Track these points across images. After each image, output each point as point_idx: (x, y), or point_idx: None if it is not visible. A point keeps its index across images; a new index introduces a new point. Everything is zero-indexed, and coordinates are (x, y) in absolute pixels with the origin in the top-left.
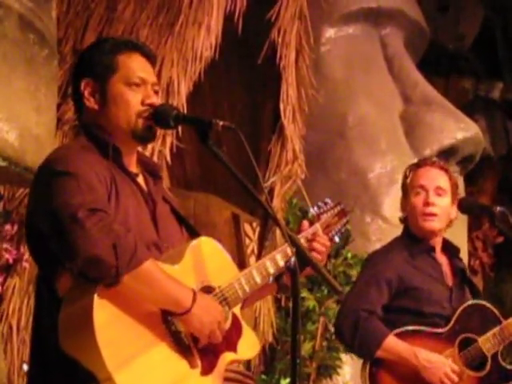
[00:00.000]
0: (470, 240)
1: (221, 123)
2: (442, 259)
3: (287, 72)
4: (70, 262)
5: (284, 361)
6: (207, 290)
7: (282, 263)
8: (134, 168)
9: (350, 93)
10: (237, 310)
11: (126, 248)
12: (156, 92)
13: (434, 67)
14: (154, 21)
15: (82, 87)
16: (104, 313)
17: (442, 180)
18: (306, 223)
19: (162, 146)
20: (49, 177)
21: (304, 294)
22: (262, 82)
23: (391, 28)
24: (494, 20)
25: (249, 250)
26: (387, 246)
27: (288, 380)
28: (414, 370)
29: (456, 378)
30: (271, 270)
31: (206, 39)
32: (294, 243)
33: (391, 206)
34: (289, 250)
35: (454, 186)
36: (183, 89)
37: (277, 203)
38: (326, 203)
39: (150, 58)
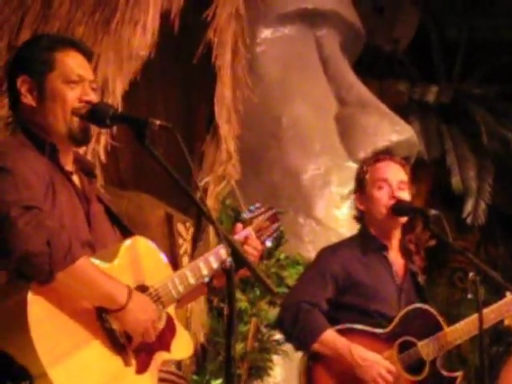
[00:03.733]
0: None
1: (157, 122)
2: (396, 259)
3: (222, 72)
4: (5, 260)
5: (215, 361)
6: (141, 289)
7: (215, 265)
8: (69, 167)
9: (284, 94)
10: (171, 310)
11: (60, 245)
12: (94, 89)
13: (369, 70)
14: (89, 18)
15: (19, 84)
16: (38, 308)
17: (403, 174)
18: (239, 226)
19: (97, 145)
20: None
21: (236, 294)
22: (197, 82)
23: (327, 29)
24: (429, 23)
25: (182, 250)
26: (338, 243)
27: (219, 381)
28: (348, 366)
29: (390, 379)
30: (204, 272)
31: (141, 38)
32: (229, 243)
33: (324, 207)
34: (222, 252)
35: (410, 182)
36: (118, 87)
37: (210, 203)
38: (258, 207)
39: (87, 54)
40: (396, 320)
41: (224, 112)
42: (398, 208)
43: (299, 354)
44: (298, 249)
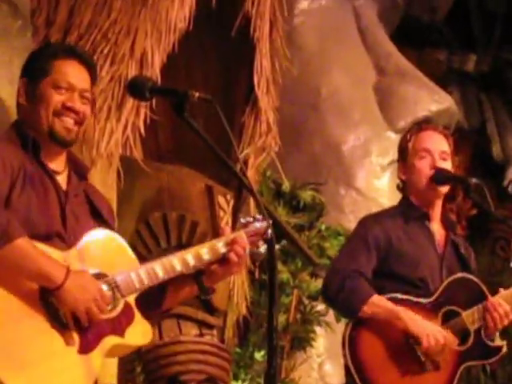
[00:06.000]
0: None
1: (197, 94)
2: (438, 229)
3: (261, 43)
4: None
5: (258, 333)
6: (99, 276)
7: (192, 262)
8: (56, 166)
9: (323, 64)
10: (131, 298)
11: None
12: (84, 98)
13: (407, 39)
14: None
15: (19, 85)
16: None
17: (445, 144)
18: (227, 228)
19: (136, 118)
20: None
21: (277, 266)
22: (235, 54)
23: None
24: None
25: (222, 223)
26: (380, 212)
27: (262, 353)
28: (395, 328)
29: (442, 340)
30: (178, 268)
31: (179, 10)
32: (269, 214)
33: (365, 177)
34: (203, 251)
35: (453, 153)
36: (157, 60)
37: (250, 175)
38: (256, 218)
39: (88, 65)
40: (440, 290)
41: (263, 84)
42: (439, 177)
43: (342, 325)
44: (339, 219)
